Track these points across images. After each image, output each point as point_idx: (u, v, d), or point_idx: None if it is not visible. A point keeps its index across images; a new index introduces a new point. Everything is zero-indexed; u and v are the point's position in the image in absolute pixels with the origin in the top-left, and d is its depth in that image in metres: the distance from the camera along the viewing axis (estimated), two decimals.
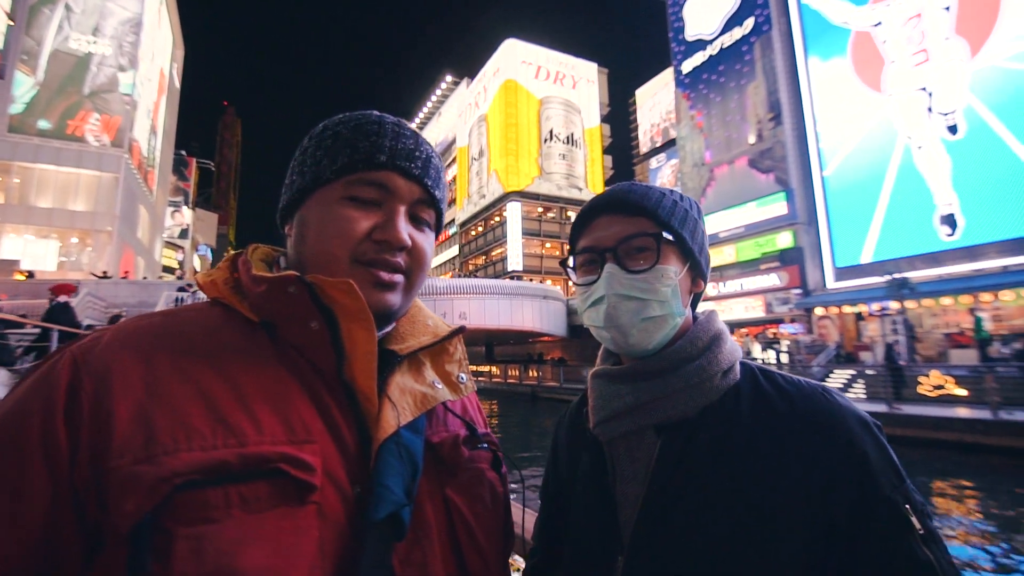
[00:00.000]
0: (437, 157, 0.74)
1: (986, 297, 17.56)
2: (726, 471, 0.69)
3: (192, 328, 0.60)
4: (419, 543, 0.61)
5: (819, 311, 22.43)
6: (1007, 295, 17.10)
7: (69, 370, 0.52)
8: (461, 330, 0.78)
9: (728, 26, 29.19)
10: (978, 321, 15.45)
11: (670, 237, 0.78)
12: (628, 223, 0.78)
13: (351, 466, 0.58)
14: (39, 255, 27.09)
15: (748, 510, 0.66)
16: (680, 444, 0.73)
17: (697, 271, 0.83)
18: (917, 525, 0.63)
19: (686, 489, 0.70)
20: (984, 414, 11.16)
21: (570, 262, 0.86)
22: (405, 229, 0.67)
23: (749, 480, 0.67)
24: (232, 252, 0.72)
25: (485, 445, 0.76)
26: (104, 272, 24.69)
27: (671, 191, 0.84)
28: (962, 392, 12.97)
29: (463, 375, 0.77)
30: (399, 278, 0.68)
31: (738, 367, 0.79)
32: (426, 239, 0.72)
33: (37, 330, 8.97)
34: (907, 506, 0.64)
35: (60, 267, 27.55)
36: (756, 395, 0.75)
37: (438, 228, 0.76)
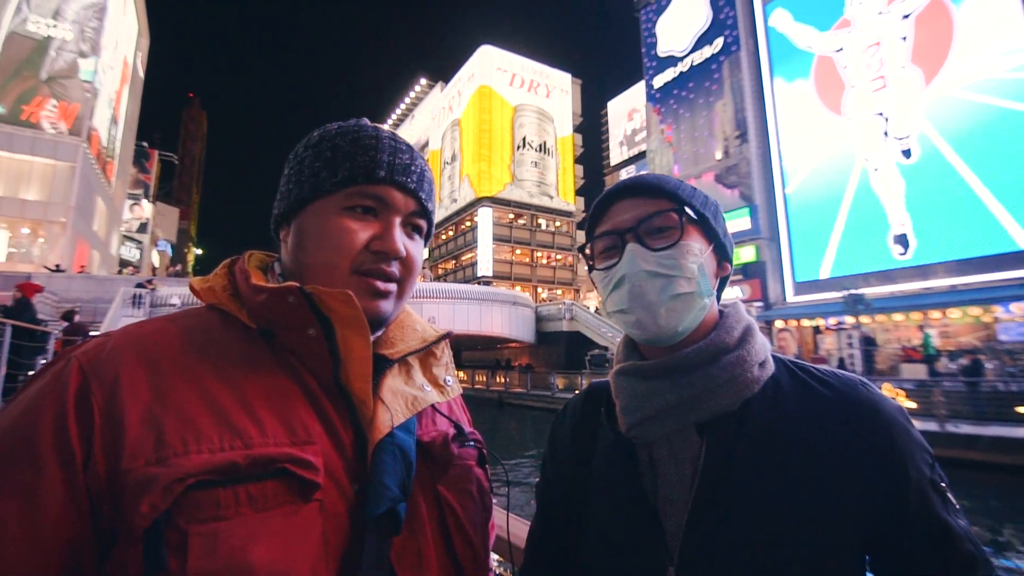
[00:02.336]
0: (429, 170, 0.78)
1: (935, 314, 18.38)
2: (777, 465, 0.67)
3: (195, 334, 0.63)
4: (414, 536, 0.64)
5: (779, 324, 23.10)
6: (954, 313, 17.93)
7: (78, 376, 0.54)
8: (447, 335, 0.82)
9: (699, 44, 29.94)
10: (926, 338, 16.18)
11: (692, 215, 0.76)
12: (648, 203, 0.76)
13: (349, 465, 0.62)
14: None
15: (803, 503, 0.65)
16: (727, 440, 0.70)
17: (722, 253, 0.80)
18: (952, 500, 0.68)
19: (737, 487, 0.67)
20: (932, 426, 11.63)
21: (587, 250, 0.83)
22: (401, 240, 0.71)
23: (800, 472, 0.67)
24: (228, 259, 0.74)
25: (472, 443, 0.79)
26: (56, 265, 23.64)
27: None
28: (912, 405, 13.49)
29: (449, 378, 0.81)
30: (393, 287, 0.71)
31: (771, 359, 0.77)
32: (417, 247, 0.76)
33: None
34: (943, 484, 0.68)
35: (9, 259, 26.22)
36: (797, 386, 0.74)
37: (428, 236, 0.80)
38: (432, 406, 0.77)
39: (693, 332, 0.76)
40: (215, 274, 0.72)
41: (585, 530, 0.79)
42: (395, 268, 0.71)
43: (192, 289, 0.70)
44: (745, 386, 0.72)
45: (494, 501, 0.83)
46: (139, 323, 0.64)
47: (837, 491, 0.65)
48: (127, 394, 0.54)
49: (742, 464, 0.68)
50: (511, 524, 0.97)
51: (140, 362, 0.57)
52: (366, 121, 0.76)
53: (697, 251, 0.75)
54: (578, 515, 0.81)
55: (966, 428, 11.37)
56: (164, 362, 0.58)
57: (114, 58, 33.97)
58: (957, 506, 0.68)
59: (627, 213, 0.77)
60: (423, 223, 0.77)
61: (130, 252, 48.15)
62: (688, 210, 0.76)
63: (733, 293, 24.79)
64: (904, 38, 21.15)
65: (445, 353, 0.82)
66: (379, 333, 0.75)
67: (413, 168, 0.74)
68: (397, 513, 0.61)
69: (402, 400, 0.70)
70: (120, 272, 32.46)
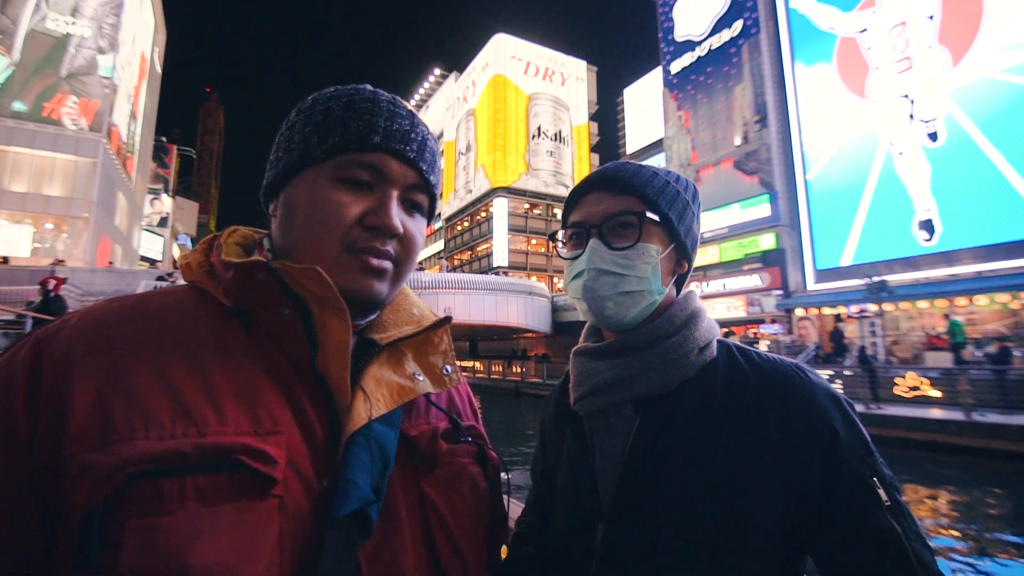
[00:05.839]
0: (433, 139, 0.71)
1: (961, 301, 17.95)
2: (702, 445, 0.72)
3: (163, 312, 0.58)
4: (388, 541, 0.58)
5: (799, 312, 22.74)
6: (981, 300, 17.49)
7: (31, 355, 0.52)
8: (447, 320, 0.75)
9: (717, 28, 29.35)
10: (956, 325, 15.75)
11: (655, 217, 0.81)
12: (616, 201, 0.81)
13: (319, 459, 0.56)
14: (12, 240, 26.35)
15: (723, 482, 0.69)
16: (659, 419, 0.76)
17: (682, 252, 0.86)
18: (883, 497, 0.67)
19: (663, 462, 0.73)
20: (957, 415, 11.40)
21: (559, 235, 0.89)
22: (398, 216, 0.65)
23: (724, 453, 0.71)
24: (210, 235, 0.69)
25: (469, 439, 0.73)
26: (59, 260, 23.86)
27: (667, 172, 0.86)
28: (936, 394, 13.23)
29: (448, 367, 0.74)
30: (388, 265, 0.65)
31: (715, 344, 0.82)
32: (417, 225, 0.69)
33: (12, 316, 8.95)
34: (874, 479, 0.68)
35: (34, 253, 26.80)
36: (731, 370, 0.78)
37: (430, 213, 0.73)
38: (428, 399, 0.72)
39: (646, 320, 0.83)
40: (194, 250, 0.67)
41: (554, 494, 0.89)
42: (391, 247, 0.65)
43: (178, 266, 0.66)
44: (680, 370, 0.78)
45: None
46: (108, 300, 0.59)
47: (760, 475, 0.69)
48: (78, 375, 0.50)
49: (672, 440, 0.74)
50: (511, 509, 0.98)
51: (97, 340, 0.53)
52: (367, 86, 0.69)
53: (653, 252, 0.81)
54: (553, 481, 0.90)
55: (993, 417, 11.09)
56: (123, 340, 0.53)
57: (132, 54, 34.34)
58: (888, 502, 0.67)
59: (596, 207, 0.82)
60: (424, 199, 0.70)
61: (151, 246, 48.91)
62: (651, 213, 0.80)
63: (752, 281, 24.48)
64: (931, 17, 20.48)
65: (444, 340, 0.75)
66: (372, 317, 0.70)
67: (413, 136, 0.67)
68: (367, 514, 0.55)
69: (386, 389, 0.64)
70: (152, 265, 33.04)
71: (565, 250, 0.87)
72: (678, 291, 0.89)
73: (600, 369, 0.82)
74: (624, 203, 0.81)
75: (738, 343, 0.84)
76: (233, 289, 0.61)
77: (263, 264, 0.60)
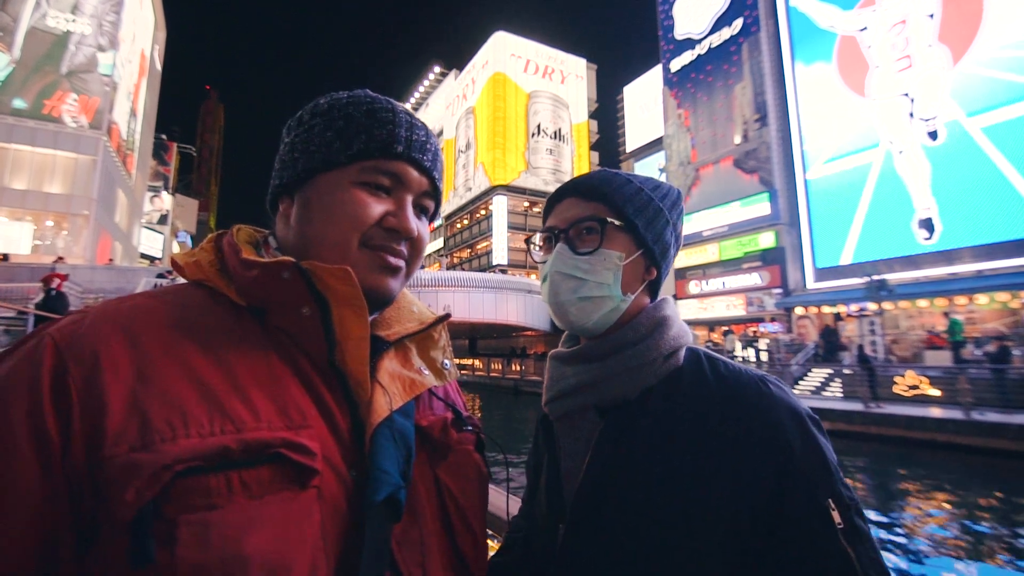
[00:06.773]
0: (440, 149, 0.76)
1: (961, 300, 17.97)
2: (661, 453, 0.72)
3: (180, 310, 0.59)
4: (415, 523, 0.63)
5: (799, 311, 22.76)
6: (981, 298, 17.50)
7: (52, 355, 0.50)
8: (446, 317, 0.79)
9: (717, 26, 29.33)
10: (955, 324, 15.76)
11: (617, 223, 0.81)
12: (584, 207, 0.83)
13: (346, 451, 0.59)
14: (13, 238, 26.36)
15: (678, 493, 0.69)
16: (620, 426, 0.76)
17: (650, 259, 0.85)
18: (837, 519, 0.65)
19: (622, 469, 0.73)
20: (956, 414, 11.42)
21: (535, 239, 0.91)
22: (414, 220, 0.70)
23: (681, 463, 0.70)
24: (214, 233, 0.70)
25: (470, 427, 0.77)
26: (59, 258, 23.93)
27: (645, 179, 0.87)
28: (936, 392, 13.25)
29: (447, 361, 0.78)
30: (402, 264, 0.69)
31: (683, 352, 0.81)
32: (425, 228, 0.74)
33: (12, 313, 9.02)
34: (829, 499, 0.66)
35: (35, 251, 26.80)
36: (696, 380, 0.77)
37: (433, 216, 0.78)
38: (430, 391, 0.76)
39: (615, 326, 0.83)
40: (201, 248, 0.68)
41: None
42: (404, 248, 0.69)
43: (174, 264, 0.65)
44: (642, 377, 0.78)
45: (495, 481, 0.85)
46: (119, 299, 0.59)
47: (714, 487, 0.68)
48: (108, 374, 0.49)
49: (631, 448, 0.74)
50: (511, 505, 1.06)
51: (121, 339, 0.52)
52: (367, 91, 0.73)
53: (615, 259, 0.81)
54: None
55: (992, 416, 11.12)
56: (147, 339, 0.53)
57: (132, 51, 34.30)
58: (843, 525, 0.65)
59: (567, 212, 0.84)
60: (432, 204, 0.75)
61: (151, 243, 48.84)
62: (616, 219, 0.81)
63: (752, 280, 24.49)
64: (931, 15, 20.47)
65: (443, 336, 0.80)
66: (375, 315, 0.73)
67: (428, 146, 0.72)
68: (397, 500, 0.59)
69: (400, 383, 0.67)
70: (152, 262, 33.04)
71: (539, 254, 0.89)
72: (653, 298, 0.88)
73: (567, 374, 0.84)
74: (591, 209, 0.82)
75: (708, 351, 0.84)
76: (254, 288, 0.61)
77: (291, 263, 0.61)
